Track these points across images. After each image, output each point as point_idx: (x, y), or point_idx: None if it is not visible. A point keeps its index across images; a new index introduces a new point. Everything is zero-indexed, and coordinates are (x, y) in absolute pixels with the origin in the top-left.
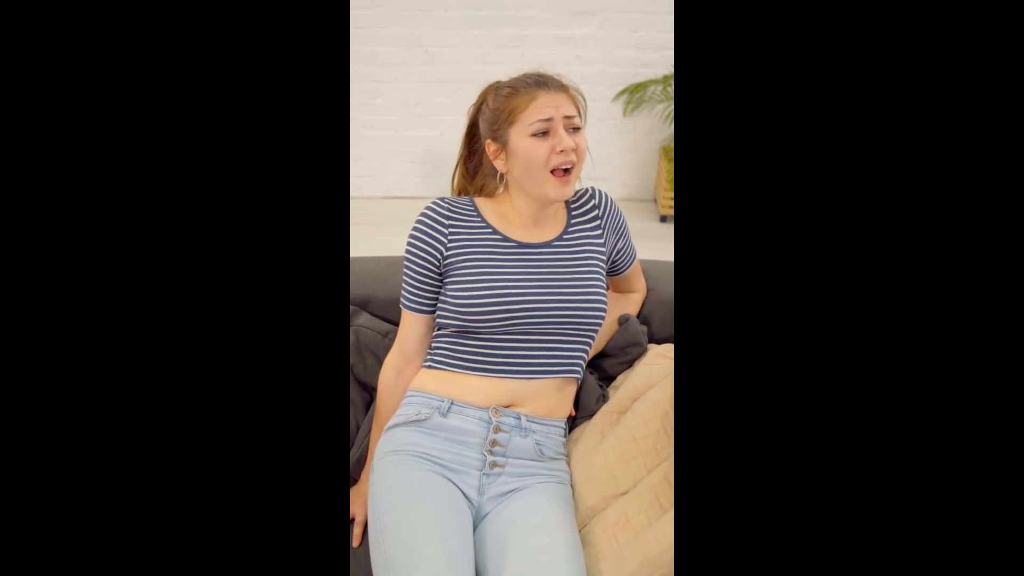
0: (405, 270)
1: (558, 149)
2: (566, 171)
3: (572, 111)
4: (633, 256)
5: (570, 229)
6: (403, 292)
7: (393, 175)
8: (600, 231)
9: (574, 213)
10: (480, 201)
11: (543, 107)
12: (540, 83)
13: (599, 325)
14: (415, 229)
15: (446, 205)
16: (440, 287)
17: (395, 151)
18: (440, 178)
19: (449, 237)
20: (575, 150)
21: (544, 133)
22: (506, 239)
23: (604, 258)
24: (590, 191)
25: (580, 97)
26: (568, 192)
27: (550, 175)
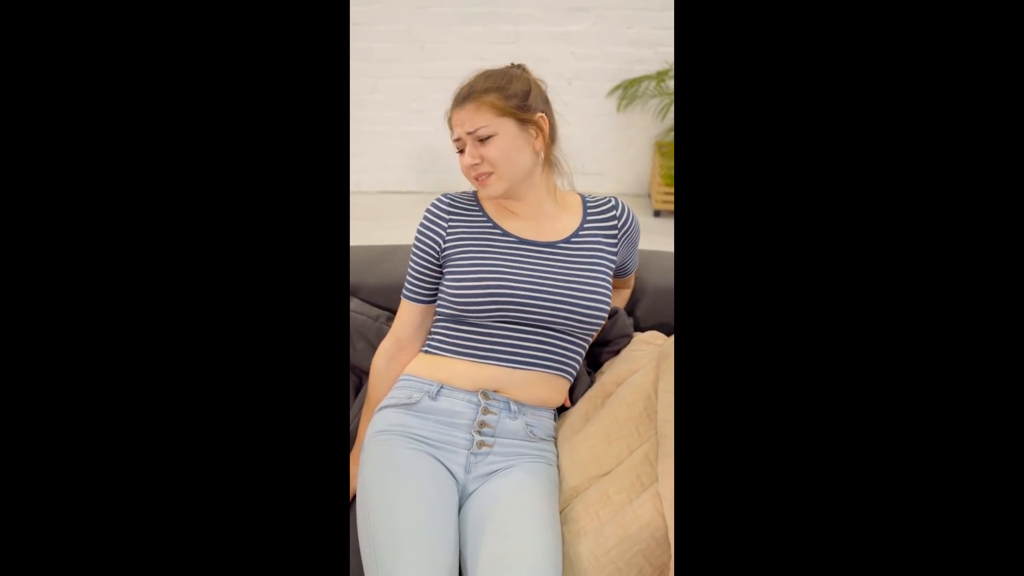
0: (409, 262)
1: (465, 165)
2: (486, 174)
3: (476, 123)
4: (635, 265)
5: (581, 233)
6: (405, 282)
7: (390, 170)
8: (615, 241)
9: (590, 218)
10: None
11: (454, 126)
12: (456, 99)
13: (597, 328)
14: (420, 223)
15: (448, 200)
16: (439, 279)
17: (392, 146)
18: (436, 173)
19: (448, 230)
20: (482, 163)
21: (462, 150)
22: (506, 233)
23: (613, 265)
24: (612, 201)
25: (496, 98)
26: (491, 192)
27: (472, 180)
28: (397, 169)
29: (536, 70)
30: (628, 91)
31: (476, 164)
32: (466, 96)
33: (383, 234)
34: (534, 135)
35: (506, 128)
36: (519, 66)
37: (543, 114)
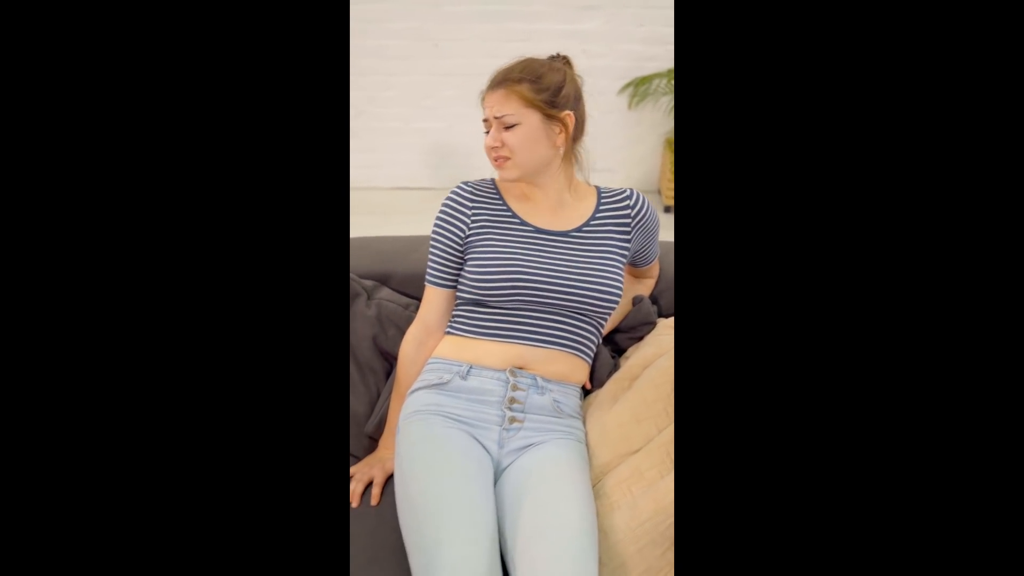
0: (431, 248)
1: (487, 145)
2: (503, 158)
3: (504, 110)
4: (655, 254)
5: (592, 222)
6: (428, 268)
7: (402, 166)
8: (628, 230)
9: (603, 207)
10: (502, 183)
11: (484, 107)
12: (492, 81)
13: (609, 311)
14: (441, 211)
15: (469, 188)
16: (462, 264)
17: (404, 143)
18: (448, 169)
19: (472, 218)
20: (502, 147)
21: (488, 130)
22: (524, 223)
23: (625, 253)
24: (628, 192)
25: (527, 89)
26: (505, 175)
27: (491, 160)
28: (409, 165)
29: None
30: (639, 88)
31: (496, 147)
32: (500, 81)
33: (395, 229)
34: (557, 131)
35: (530, 120)
36: (562, 58)
37: (571, 112)
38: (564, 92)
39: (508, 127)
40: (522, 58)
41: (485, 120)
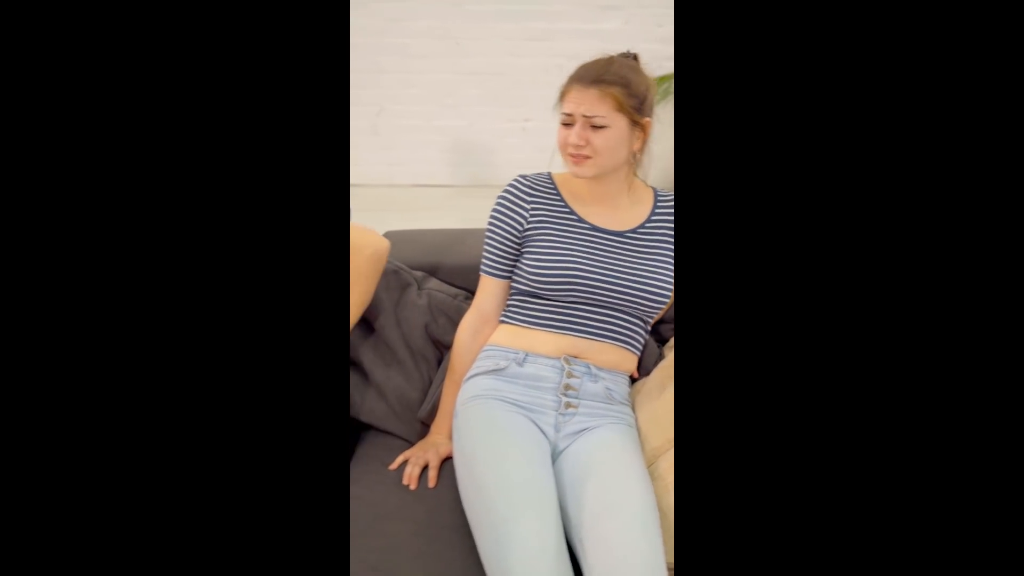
0: (488, 240)
1: (567, 142)
2: (583, 156)
3: (596, 111)
4: None
5: (647, 224)
6: (484, 259)
7: (423, 164)
8: None
9: (659, 210)
10: (559, 179)
11: (569, 102)
12: (579, 77)
13: (658, 310)
14: (499, 203)
15: (528, 183)
16: (518, 255)
17: (425, 140)
18: (468, 167)
19: (530, 211)
20: (586, 146)
21: (568, 124)
22: (581, 220)
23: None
24: None
25: (621, 92)
26: (581, 172)
27: (568, 155)
28: (430, 163)
29: (569, 66)
30: (658, 88)
31: (580, 146)
32: (595, 80)
33: (415, 226)
34: (637, 136)
35: (619, 124)
36: (633, 56)
37: (650, 119)
38: (648, 99)
39: (596, 127)
40: (604, 56)
41: (568, 114)
